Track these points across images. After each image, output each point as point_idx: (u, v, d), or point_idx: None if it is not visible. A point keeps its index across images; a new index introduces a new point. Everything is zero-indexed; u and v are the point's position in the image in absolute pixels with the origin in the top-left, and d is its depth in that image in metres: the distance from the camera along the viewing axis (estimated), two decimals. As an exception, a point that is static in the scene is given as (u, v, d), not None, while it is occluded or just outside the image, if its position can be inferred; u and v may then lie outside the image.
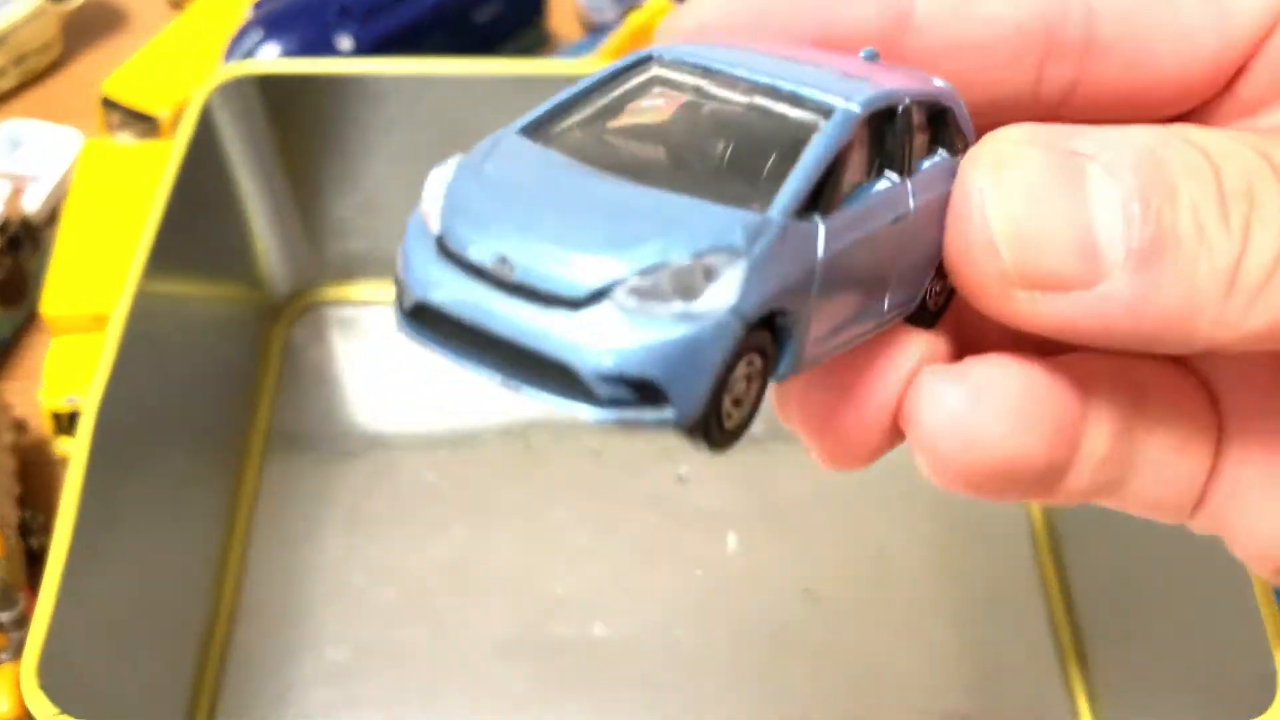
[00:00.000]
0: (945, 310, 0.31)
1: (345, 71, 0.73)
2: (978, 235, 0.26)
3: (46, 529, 0.64)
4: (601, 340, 0.23)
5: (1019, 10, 0.30)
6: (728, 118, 0.27)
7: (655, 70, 0.28)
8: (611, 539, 0.69)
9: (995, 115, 0.31)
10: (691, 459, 0.72)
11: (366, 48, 0.85)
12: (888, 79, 0.28)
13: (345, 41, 0.85)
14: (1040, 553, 0.69)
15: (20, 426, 0.71)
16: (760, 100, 0.27)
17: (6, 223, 0.79)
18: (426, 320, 0.25)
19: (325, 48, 0.84)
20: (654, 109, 0.28)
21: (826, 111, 0.26)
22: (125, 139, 0.87)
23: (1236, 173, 0.25)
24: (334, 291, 0.81)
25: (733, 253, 0.23)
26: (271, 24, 0.85)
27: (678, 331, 0.23)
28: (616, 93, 0.29)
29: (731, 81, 0.27)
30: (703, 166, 0.26)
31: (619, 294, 0.23)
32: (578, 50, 0.92)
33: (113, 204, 0.78)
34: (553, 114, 0.28)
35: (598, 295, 0.23)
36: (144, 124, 0.88)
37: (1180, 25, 0.30)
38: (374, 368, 0.77)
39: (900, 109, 0.28)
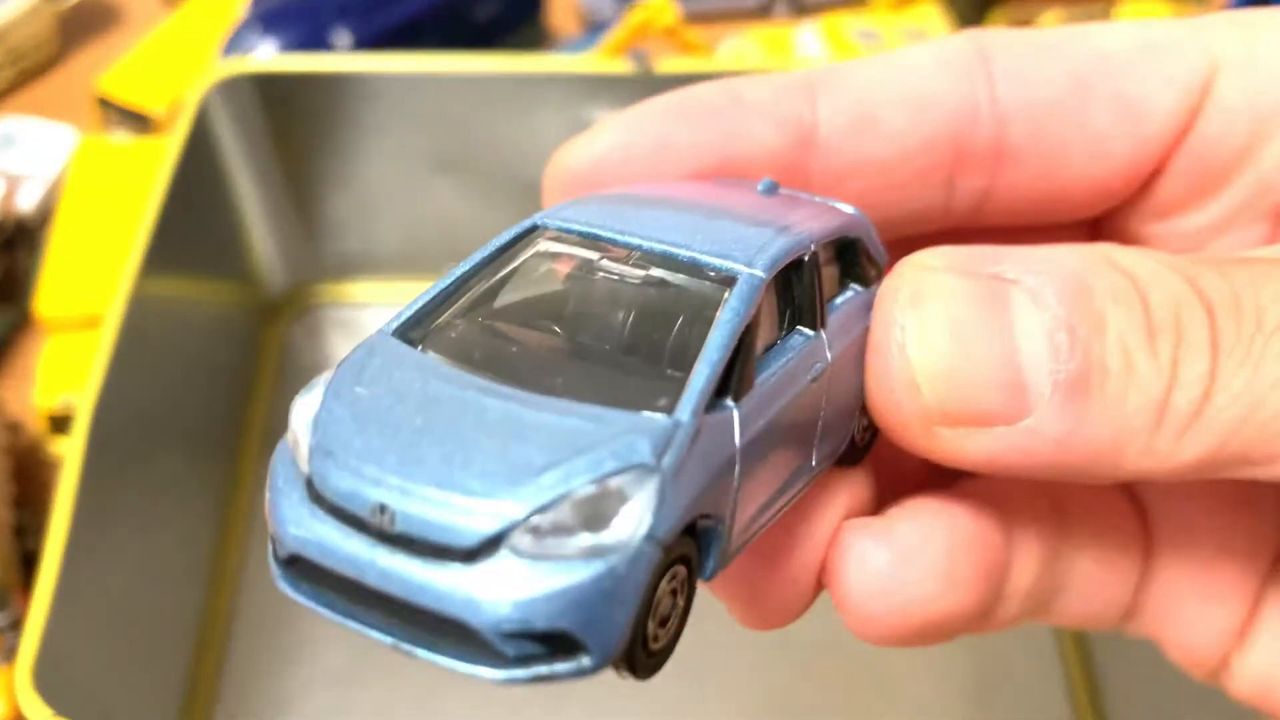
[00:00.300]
0: (872, 444, 0.29)
1: (343, 69, 0.73)
2: (899, 374, 0.25)
3: (41, 530, 0.63)
4: (500, 592, 0.20)
5: (927, 122, 0.29)
6: (624, 295, 0.25)
7: (541, 244, 0.26)
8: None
9: (906, 228, 0.31)
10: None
11: (364, 44, 0.85)
12: (791, 219, 0.26)
13: (343, 38, 0.84)
14: (1042, 553, 0.69)
15: (14, 427, 0.70)
16: (656, 272, 0.24)
17: (1, 221, 0.78)
18: (305, 572, 0.22)
19: (323, 44, 0.84)
20: (547, 284, 0.26)
21: (729, 280, 0.24)
22: (120, 137, 0.87)
23: (1164, 301, 0.24)
24: (330, 291, 0.81)
25: (642, 471, 0.21)
26: (269, 20, 0.84)
27: (589, 571, 0.20)
28: (503, 271, 0.26)
29: (624, 252, 0.25)
30: (601, 355, 0.24)
31: (516, 537, 0.20)
32: (576, 47, 0.91)
33: (108, 202, 0.77)
34: (434, 305, 0.25)
35: (492, 541, 0.20)
36: (139, 122, 0.87)
37: (1092, 131, 0.29)
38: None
39: (807, 257, 0.25)
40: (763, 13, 1.02)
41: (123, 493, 0.58)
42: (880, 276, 0.27)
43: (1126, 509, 0.31)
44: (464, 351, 0.24)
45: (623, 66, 0.72)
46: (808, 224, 0.26)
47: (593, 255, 0.25)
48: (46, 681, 0.48)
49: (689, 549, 0.22)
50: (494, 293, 0.25)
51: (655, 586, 0.21)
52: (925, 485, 0.31)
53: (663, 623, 0.22)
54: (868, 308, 0.26)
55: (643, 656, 0.22)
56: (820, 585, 0.28)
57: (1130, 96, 0.29)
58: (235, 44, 0.84)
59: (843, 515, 0.28)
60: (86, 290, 0.72)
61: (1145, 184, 0.30)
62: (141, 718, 0.58)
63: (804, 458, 0.26)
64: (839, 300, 0.27)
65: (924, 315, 0.25)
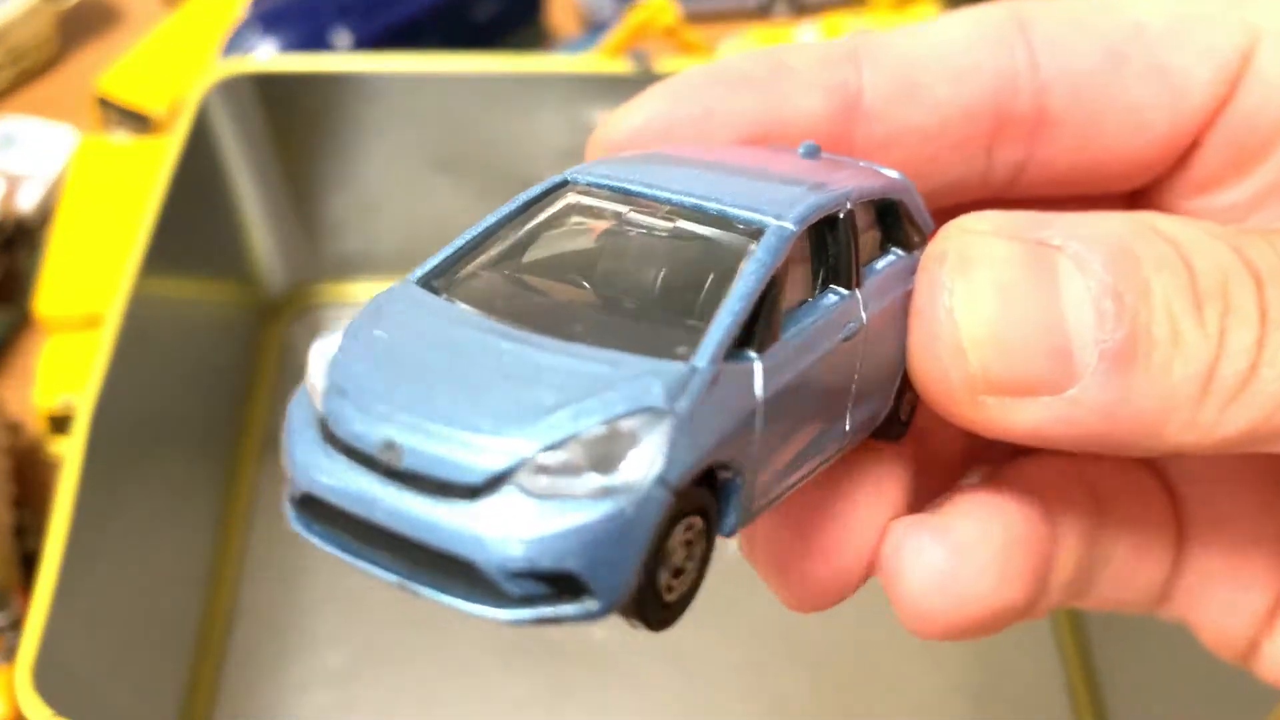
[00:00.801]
0: (913, 418, 0.29)
1: (343, 69, 0.73)
2: (945, 339, 0.24)
3: (41, 530, 0.63)
4: (506, 531, 0.20)
5: (968, 92, 0.29)
6: (651, 248, 0.24)
7: (571, 197, 0.26)
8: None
9: (944, 198, 0.30)
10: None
11: (364, 44, 0.85)
12: (829, 178, 0.26)
13: (343, 38, 0.84)
14: (1042, 553, 0.68)
15: (14, 428, 0.70)
16: (685, 225, 0.24)
17: (1, 221, 0.78)
18: (317, 512, 0.22)
19: (323, 44, 0.84)
20: (576, 238, 0.25)
21: (757, 232, 0.23)
22: (120, 137, 0.87)
23: (1210, 269, 0.24)
24: (330, 291, 0.81)
25: (654, 414, 0.20)
26: (269, 20, 0.84)
27: (596, 512, 0.20)
28: (531, 224, 0.26)
29: (653, 205, 0.25)
30: (631, 305, 0.23)
31: (523, 475, 0.20)
32: (576, 47, 0.91)
33: (108, 202, 0.77)
34: (459, 255, 0.25)
35: (499, 479, 0.20)
36: (139, 122, 0.87)
37: (1130, 101, 0.29)
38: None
39: (842, 214, 0.25)
40: (763, 13, 1.02)
41: (123, 493, 0.58)
42: (924, 242, 0.27)
43: (1159, 494, 0.31)
44: (487, 300, 0.23)
45: (623, 66, 0.72)
46: (845, 183, 0.26)
47: (622, 209, 0.25)
48: (46, 681, 0.48)
49: (705, 500, 0.22)
50: (521, 245, 0.25)
51: (666, 533, 0.21)
52: (959, 470, 0.31)
53: (677, 574, 0.22)
54: (910, 272, 0.26)
55: (655, 607, 0.22)
56: (868, 573, 0.28)
57: (1169, 68, 0.29)
58: (235, 44, 0.84)
59: (893, 507, 0.28)
60: (86, 290, 0.72)
61: (1183, 157, 0.30)
62: (141, 718, 0.58)
63: (836, 420, 0.25)
64: (879, 264, 0.27)
65: (971, 278, 0.24)
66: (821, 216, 0.24)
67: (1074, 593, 0.30)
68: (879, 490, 0.28)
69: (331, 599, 0.66)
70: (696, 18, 0.97)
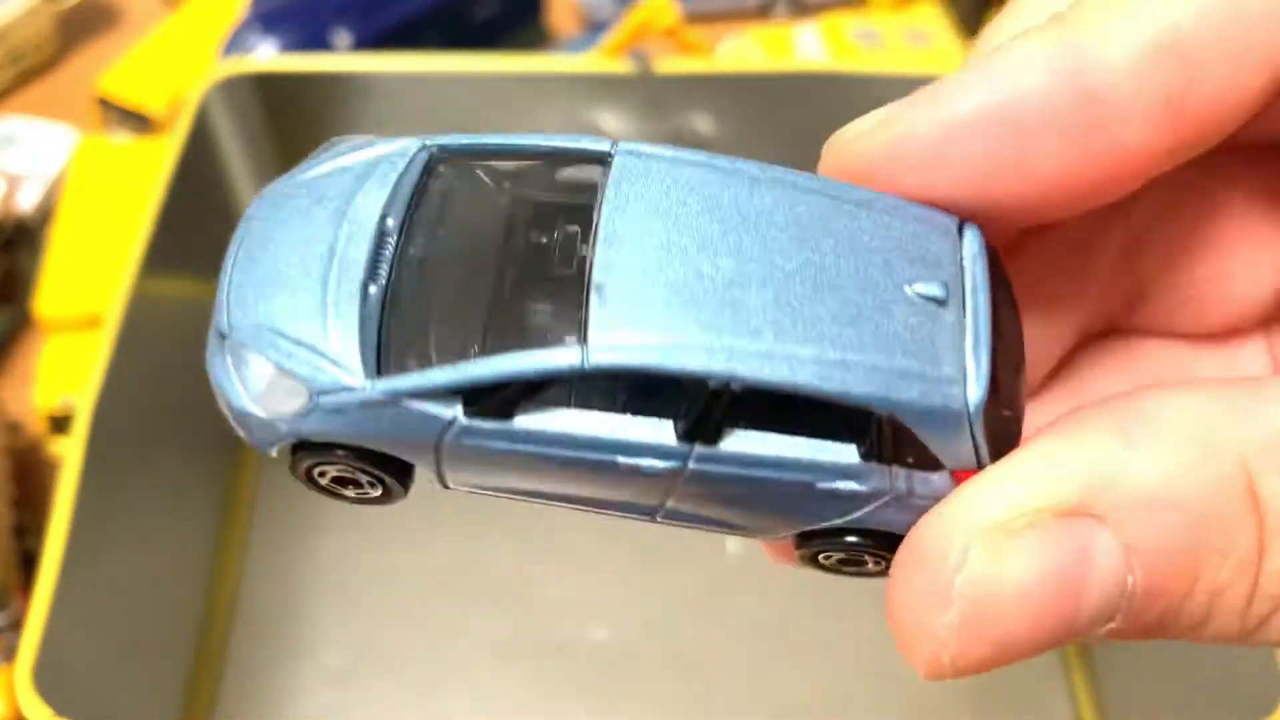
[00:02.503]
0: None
1: (343, 69, 0.73)
2: (927, 658, 0.22)
3: (41, 531, 0.63)
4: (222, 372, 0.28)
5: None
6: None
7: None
8: (610, 542, 0.69)
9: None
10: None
11: (364, 44, 0.85)
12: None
13: (343, 38, 0.84)
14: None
15: (14, 428, 0.70)
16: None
17: (1, 221, 0.78)
18: None
19: (323, 44, 0.84)
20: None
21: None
22: (120, 137, 0.87)
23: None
24: (331, 291, 0.81)
25: (299, 384, 0.26)
26: (269, 20, 0.84)
27: (250, 405, 0.27)
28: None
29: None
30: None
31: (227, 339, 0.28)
32: (576, 47, 0.91)
33: (108, 202, 0.77)
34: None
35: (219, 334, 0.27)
36: (139, 122, 0.87)
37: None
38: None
39: (713, 387, 0.23)
40: (763, 13, 1.02)
41: (123, 493, 0.58)
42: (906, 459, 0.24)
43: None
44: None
45: (623, 66, 0.72)
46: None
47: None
48: (46, 681, 0.48)
49: (368, 467, 0.27)
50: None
51: (314, 451, 0.26)
52: None
53: (347, 485, 0.28)
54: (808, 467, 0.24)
55: (319, 489, 0.28)
56: None
57: None
58: (235, 44, 0.84)
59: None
60: (86, 290, 0.72)
61: None
62: (141, 718, 0.58)
63: (614, 508, 0.26)
64: (776, 444, 0.24)
65: (972, 638, 0.21)
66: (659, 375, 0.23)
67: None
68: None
69: (331, 599, 0.66)
70: (696, 18, 0.97)
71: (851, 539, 0.25)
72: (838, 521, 0.25)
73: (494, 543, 0.69)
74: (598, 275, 0.23)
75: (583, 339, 0.23)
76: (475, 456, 0.25)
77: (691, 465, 0.24)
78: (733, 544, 0.69)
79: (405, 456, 0.26)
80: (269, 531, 0.69)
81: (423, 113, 0.74)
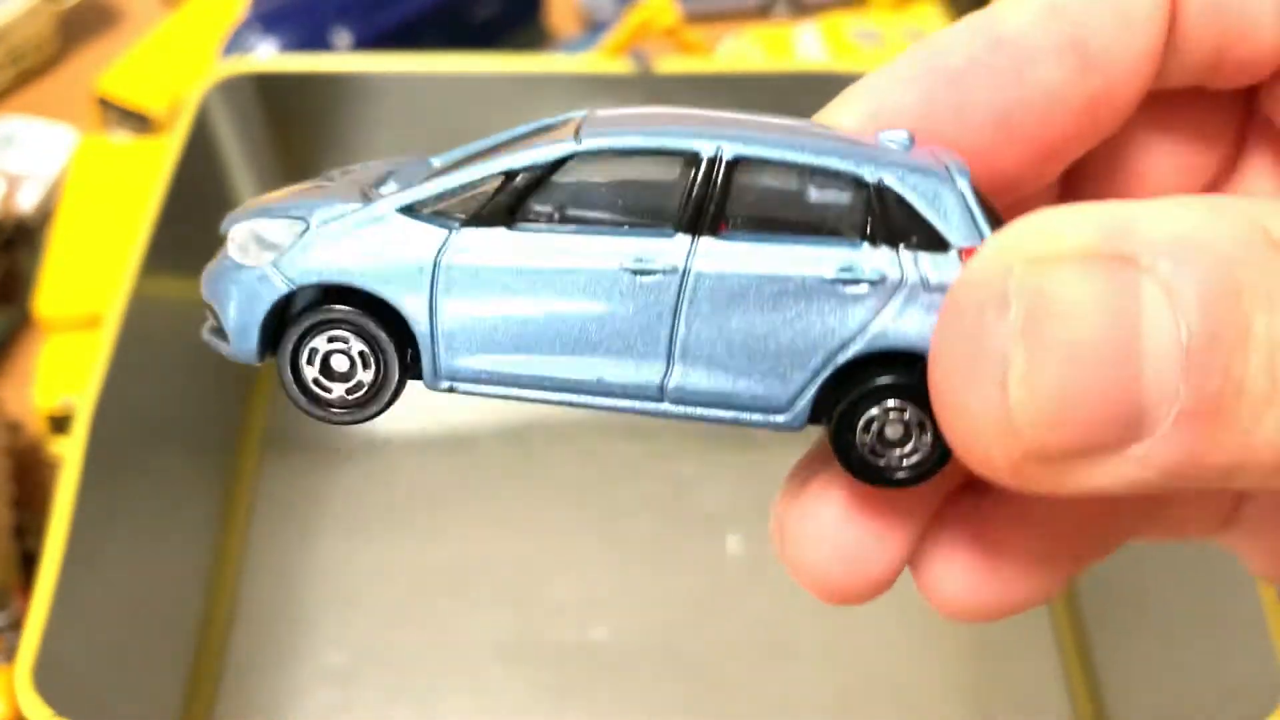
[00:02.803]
0: (929, 471, 0.24)
1: (343, 69, 0.73)
2: (993, 415, 0.20)
3: (41, 531, 0.63)
4: (218, 280, 0.27)
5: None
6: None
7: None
8: (611, 542, 0.69)
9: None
10: (691, 461, 0.72)
11: (364, 44, 0.85)
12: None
13: (343, 38, 0.84)
14: (1042, 554, 0.68)
15: (14, 428, 0.70)
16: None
17: (1, 221, 0.78)
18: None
19: (323, 44, 0.84)
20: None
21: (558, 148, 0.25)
22: (120, 137, 0.87)
23: None
24: (331, 291, 0.81)
25: (292, 220, 0.25)
26: (269, 20, 0.84)
27: (232, 275, 0.26)
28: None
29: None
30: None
31: (229, 245, 0.27)
32: (576, 47, 0.91)
33: (108, 202, 0.77)
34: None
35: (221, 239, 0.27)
36: (139, 122, 0.87)
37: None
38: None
39: (721, 162, 0.24)
40: (763, 13, 1.02)
41: (123, 493, 0.58)
42: (933, 244, 0.24)
43: None
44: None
45: (623, 66, 0.72)
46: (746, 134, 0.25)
47: None
48: (46, 681, 0.48)
49: (365, 326, 0.25)
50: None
51: (298, 325, 0.25)
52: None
53: (339, 378, 0.26)
54: (843, 259, 0.24)
55: (300, 394, 0.26)
56: (898, 574, 0.27)
57: None
58: (235, 44, 0.84)
59: (926, 509, 0.26)
60: (86, 290, 0.72)
61: None
62: (141, 718, 0.58)
63: (634, 357, 0.25)
64: (787, 241, 0.24)
65: (1039, 344, 0.20)
66: (648, 148, 0.25)
67: (1138, 520, 0.28)
68: (916, 502, 0.26)
69: (331, 599, 0.66)
70: (696, 18, 0.97)
71: (883, 380, 0.24)
72: (860, 346, 0.24)
73: (494, 543, 0.69)
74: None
75: (576, 138, 0.25)
76: (472, 286, 0.24)
77: (695, 266, 0.24)
78: (733, 544, 0.69)
79: (401, 301, 0.25)
80: (269, 531, 0.69)
81: (423, 113, 0.74)
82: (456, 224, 0.25)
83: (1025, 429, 0.20)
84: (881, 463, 0.24)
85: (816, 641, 0.65)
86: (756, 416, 0.25)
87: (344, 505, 0.70)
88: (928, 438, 0.24)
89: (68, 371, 0.69)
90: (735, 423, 0.25)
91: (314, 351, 0.26)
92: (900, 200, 0.24)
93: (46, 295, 0.72)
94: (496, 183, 0.25)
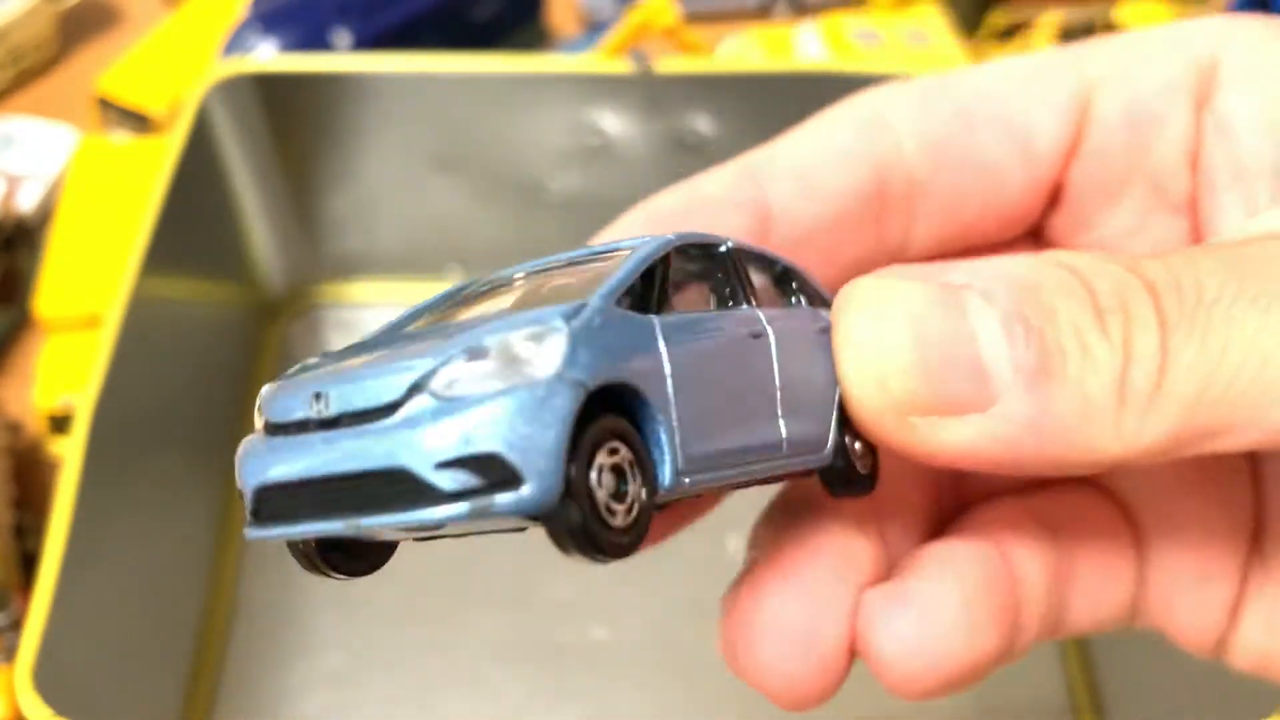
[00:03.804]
0: (876, 473, 0.30)
1: (343, 69, 0.73)
2: (865, 370, 0.26)
3: (41, 531, 0.63)
4: (423, 425, 0.21)
5: (853, 177, 0.32)
6: (557, 280, 0.27)
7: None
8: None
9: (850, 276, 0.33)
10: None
11: (364, 44, 0.85)
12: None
13: (343, 38, 0.84)
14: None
15: (14, 427, 0.70)
16: (581, 264, 0.27)
17: (1, 222, 0.78)
18: (271, 511, 0.24)
19: (323, 44, 0.84)
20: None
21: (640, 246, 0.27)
22: (120, 137, 0.87)
23: (1109, 288, 0.25)
24: (330, 291, 0.81)
25: (553, 327, 0.22)
26: (269, 20, 0.84)
27: (508, 395, 0.21)
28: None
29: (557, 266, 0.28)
30: (543, 295, 0.26)
31: (435, 381, 0.22)
32: (576, 47, 0.91)
33: (107, 202, 0.77)
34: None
35: (412, 390, 0.22)
36: (139, 122, 0.87)
37: (986, 158, 0.32)
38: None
39: (723, 248, 0.28)
40: (763, 13, 1.02)
41: (123, 493, 0.58)
42: (825, 302, 0.30)
43: (1111, 512, 0.32)
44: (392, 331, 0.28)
45: (623, 66, 0.72)
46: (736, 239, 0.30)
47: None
48: (46, 681, 0.48)
49: (623, 429, 0.23)
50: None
51: (582, 426, 0.22)
52: (924, 528, 0.32)
53: (618, 498, 0.23)
54: (815, 316, 0.29)
55: (599, 526, 0.22)
56: (851, 656, 0.29)
57: (1014, 123, 0.32)
58: (235, 44, 0.84)
59: (863, 576, 0.29)
60: (86, 290, 0.72)
61: (1053, 200, 0.33)
62: (141, 718, 0.58)
63: (765, 417, 0.27)
64: (780, 309, 0.29)
65: (884, 313, 0.26)
66: (699, 242, 0.28)
67: (1050, 625, 0.31)
68: (848, 562, 0.29)
69: (331, 599, 0.66)
70: (696, 18, 0.97)
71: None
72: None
73: (494, 543, 0.68)
74: None
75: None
76: (693, 366, 0.25)
77: (763, 321, 0.27)
78: (733, 544, 0.69)
79: (637, 383, 0.23)
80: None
81: (423, 113, 0.74)
82: (641, 311, 0.25)
83: (893, 379, 0.26)
84: (857, 473, 0.29)
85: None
86: (812, 459, 0.28)
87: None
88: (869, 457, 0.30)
89: (68, 371, 0.69)
90: (802, 467, 0.28)
91: (599, 468, 0.22)
92: (802, 283, 0.31)
93: (46, 295, 0.72)
94: (642, 273, 0.26)
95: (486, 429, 0.21)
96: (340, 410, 0.22)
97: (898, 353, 0.26)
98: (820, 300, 0.31)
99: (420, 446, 0.21)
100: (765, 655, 0.29)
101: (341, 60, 0.75)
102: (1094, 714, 0.63)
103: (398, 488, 0.21)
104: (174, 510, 0.65)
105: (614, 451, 0.22)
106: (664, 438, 0.24)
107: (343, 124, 0.75)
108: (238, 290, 0.78)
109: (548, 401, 0.21)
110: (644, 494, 0.23)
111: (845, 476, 0.29)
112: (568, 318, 0.22)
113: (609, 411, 0.23)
